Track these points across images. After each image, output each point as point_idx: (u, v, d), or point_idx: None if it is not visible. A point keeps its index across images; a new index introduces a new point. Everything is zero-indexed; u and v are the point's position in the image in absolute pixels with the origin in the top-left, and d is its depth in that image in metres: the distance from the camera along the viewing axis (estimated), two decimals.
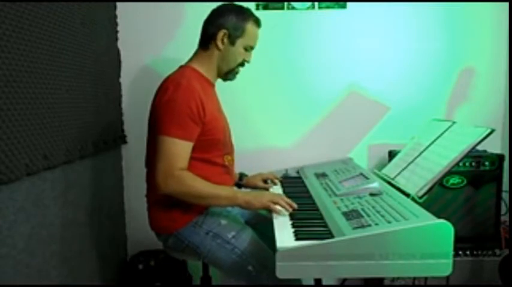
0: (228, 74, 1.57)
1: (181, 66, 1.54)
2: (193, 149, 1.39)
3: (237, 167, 1.72)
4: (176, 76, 1.44)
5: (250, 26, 1.52)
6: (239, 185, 1.81)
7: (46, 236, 1.37)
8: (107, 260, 1.93)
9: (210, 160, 1.47)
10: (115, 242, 2.07)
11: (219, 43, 1.49)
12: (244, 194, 1.38)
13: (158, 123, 1.37)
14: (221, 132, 1.51)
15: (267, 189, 1.76)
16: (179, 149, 1.35)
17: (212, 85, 1.58)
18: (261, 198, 1.38)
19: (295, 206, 1.37)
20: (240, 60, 1.54)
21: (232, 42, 1.50)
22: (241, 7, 1.54)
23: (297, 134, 2.19)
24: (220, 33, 1.48)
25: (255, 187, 1.80)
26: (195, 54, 1.56)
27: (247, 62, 1.58)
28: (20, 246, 1.23)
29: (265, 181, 1.81)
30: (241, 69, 1.58)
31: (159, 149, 1.35)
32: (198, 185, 1.35)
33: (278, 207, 1.37)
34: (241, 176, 1.82)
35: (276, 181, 1.82)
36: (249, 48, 1.55)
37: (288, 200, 1.39)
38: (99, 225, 1.83)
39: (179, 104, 1.35)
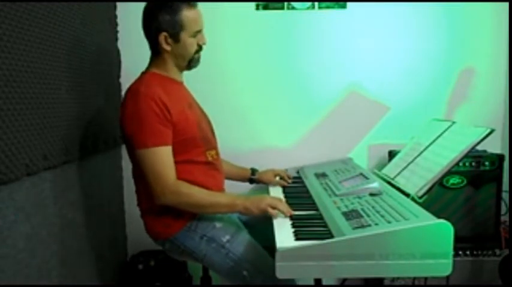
0: (189, 64, 1.50)
1: (142, 73, 1.50)
2: (173, 153, 1.37)
3: None
4: (135, 85, 1.41)
5: (185, 14, 1.40)
6: (252, 181, 1.83)
7: (46, 236, 1.37)
8: (107, 260, 1.93)
9: (191, 159, 1.44)
10: (115, 242, 2.06)
11: (165, 46, 1.43)
12: (243, 201, 1.37)
13: (131, 138, 1.35)
14: (195, 128, 1.45)
15: (281, 185, 1.79)
16: (162, 157, 1.34)
17: (178, 83, 1.52)
18: (259, 203, 1.36)
19: (292, 212, 1.36)
20: (194, 49, 1.46)
21: (176, 39, 1.42)
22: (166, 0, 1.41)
23: (297, 134, 2.19)
24: (161, 37, 1.41)
25: (269, 182, 1.82)
26: (151, 58, 1.51)
27: (204, 44, 1.49)
28: (20, 246, 1.23)
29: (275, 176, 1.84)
30: (201, 53, 1.50)
31: (143, 164, 1.34)
32: (196, 195, 1.36)
33: (276, 212, 1.35)
34: (254, 171, 1.83)
35: (288, 179, 1.83)
36: (196, 34, 1.45)
37: (286, 205, 1.38)
38: (99, 225, 1.83)
39: (143, 113, 1.32)
